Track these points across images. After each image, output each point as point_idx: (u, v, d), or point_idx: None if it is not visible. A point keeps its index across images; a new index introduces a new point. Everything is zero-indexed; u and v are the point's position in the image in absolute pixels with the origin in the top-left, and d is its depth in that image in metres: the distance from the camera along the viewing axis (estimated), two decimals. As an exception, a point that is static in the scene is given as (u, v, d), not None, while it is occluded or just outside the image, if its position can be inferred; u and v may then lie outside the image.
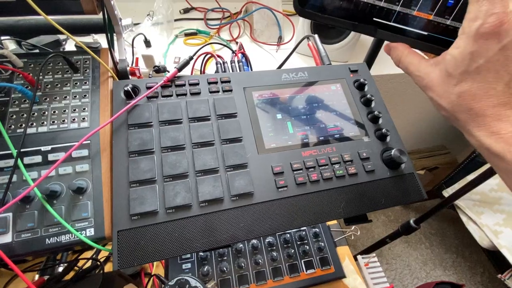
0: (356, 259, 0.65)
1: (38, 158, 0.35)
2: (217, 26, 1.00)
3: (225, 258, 0.55)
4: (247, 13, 1.02)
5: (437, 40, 0.33)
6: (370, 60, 0.63)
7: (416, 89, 1.14)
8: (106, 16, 0.41)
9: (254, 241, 0.57)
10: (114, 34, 0.46)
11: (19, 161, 0.33)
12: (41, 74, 0.40)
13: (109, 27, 0.44)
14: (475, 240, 1.15)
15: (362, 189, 0.40)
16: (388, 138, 0.44)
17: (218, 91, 0.43)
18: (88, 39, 0.80)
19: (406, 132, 1.47)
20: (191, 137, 0.38)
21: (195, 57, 0.47)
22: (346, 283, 0.58)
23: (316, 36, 0.57)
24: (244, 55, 0.53)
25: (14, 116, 0.37)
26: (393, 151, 0.41)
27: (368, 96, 0.46)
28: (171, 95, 0.41)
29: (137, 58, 0.50)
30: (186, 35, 0.94)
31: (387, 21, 0.34)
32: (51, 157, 0.35)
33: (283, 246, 0.58)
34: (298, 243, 0.59)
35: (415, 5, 0.32)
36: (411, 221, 0.77)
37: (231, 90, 0.44)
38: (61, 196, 0.34)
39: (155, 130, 0.38)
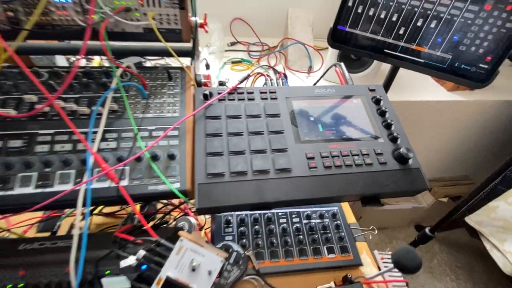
0: (373, 254, 0.72)
1: (146, 133, 0.51)
2: (258, 56, 1.20)
3: (259, 236, 0.66)
4: (283, 47, 1.22)
5: (431, 66, 0.46)
6: (387, 84, 0.77)
7: (435, 117, 1.23)
8: (195, 45, 0.60)
9: (284, 225, 0.68)
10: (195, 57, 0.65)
11: (138, 135, 0.50)
12: (149, 80, 0.58)
13: (192, 52, 0.63)
14: (505, 275, 1.13)
15: (376, 176, 0.52)
16: (398, 141, 0.56)
17: (267, 98, 0.59)
18: (161, 61, 1.02)
19: (428, 159, 1.53)
20: (248, 128, 0.53)
21: (251, 74, 0.63)
22: (363, 271, 0.66)
23: (342, 63, 0.73)
24: (285, 75, 0.69)
25: (132, 106, 0.54)
26: (402, 148, 0.53)
27: (383, 108, 0.59)
28: (234, 99, 0.57)
29: (208, 74, 0.67)
30: (233, 62, 1.15)
31: (395, 52, 0.48)
32: (154, 133, 0.52)
33: (308, 233, 0.68)
34: (321, 232, 0.69)
35: (414, 41, 0.46)
36: (427, 230, 0.82)
37: (276, 98, 0.59)
38: (160, 159, 0.49)
39: (223, 121, 0.54)
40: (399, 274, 0.68)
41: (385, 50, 0.46)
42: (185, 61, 0.62)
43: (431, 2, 0.43)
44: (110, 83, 0.54)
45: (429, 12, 0.44)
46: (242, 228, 0.66)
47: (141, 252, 0.45)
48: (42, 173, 0.45)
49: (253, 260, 0.61)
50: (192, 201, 0.49)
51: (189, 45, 0.60)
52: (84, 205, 0.44)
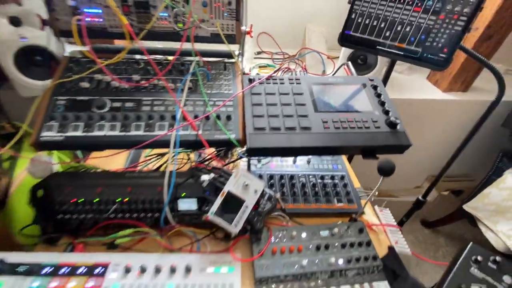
0: (373, 209, 0.91)
1: (211, 102, 0.75)
2: (280, 62, 1.46)
3: (284, 188, 0.87)
4: (301, 55, 1.47)
5: (408, 56, 0.68)
6: (385, 78, 0.98)
7: (432, 116, 1.41)
8: (243, 45, 0.85)
9: (303, 180, 0.89)
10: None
11: (208, 102, 0.73)
12: (212, 69, 0.83)
13: (241, 50, 0.88)
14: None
15: (372, 135, 0.72)
16: (390, 113, 0.77)
17: (293, 83, 0.82)
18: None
19: (430, 156, 1.68)
20: (280, 101, 0.76)
21: (282, 68, 0.87)
22: (365, 218, 0.85)
23: (349, 62, 0.95)
24: (305, 69, 0.92)
25: (199, 84, 0.78)
26: (392, 117, 0.74)
27: (379, 92, 0.81)
28: (270, 83, 0.81)
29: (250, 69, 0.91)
30: (260, 67, 1.40)
31: (384, 48, 0.70)
32: (217, 103, 0.75)
33: (322, 187, 0.88)
34: (332, 187, 0.89)
35: (396, 40, 0.68)
36: (419, 197, 0.98)
37: (300, 83, 0.82)
38: (221, 119, 0.72)
39: (263, 96, 0.77)
40: (395, 223, 0.86)
41: (377, 47, 0.68)
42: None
43: (405, 14, 0.66)
44: (186, 70, 0.79)
45: (404, 21, 0.66)
46: (271, 181, 0.87)
47: (212, 175, 0.67)
48: (147, 123, 0.69)
49: (280, 201, 0.82)
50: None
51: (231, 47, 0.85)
52: (174, 146, 0.67)
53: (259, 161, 0.95)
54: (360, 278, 0.68)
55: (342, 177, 0.92)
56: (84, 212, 0.69)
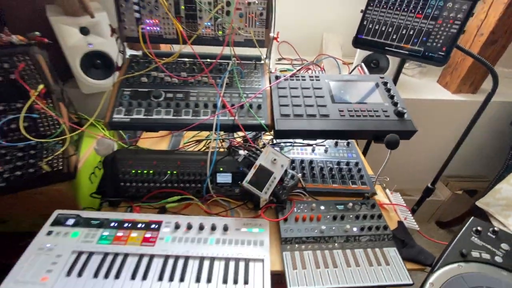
0: (385, 192, 1.01)
1: (245, 95, 0.90)
2: (300, 67, 1.61)
3: (305, 170, 0.99)
4: (318, 60, 1.62)
5: (412, 55, 0.80)
6: (395, 78, 1.10)
7: (443, 117, 1.50)
8: (270, 49, 1.00)
9: (321, 164, 1.01)
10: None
11: (242, 95, 0.89)
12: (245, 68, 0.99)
13: (268, 53, 1.03)
14: None
15: (382, 122, 0.84)
16: (398, 105, 0.89)
17: (313, 80, 0.96)
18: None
19: (441, 155, 1.75)
20: (302, 93, 0.90)
21: (304, 67, 1.02)
22: (377, 198, 0.95)
23: (363, 64, 1.09)
24: (323, 70, 1.06)
25: (234, 80, 0.94)
26: (399, 108, 0.86)
27: (388, 87, 0.93)
28: (293, 80, 0.95)
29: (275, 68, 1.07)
30: (281, 71, 1.56)
31: (391, 48, 0.83)
32: (249, 95, 0.90)
33: (338, 171, 1.00)
34: (347, 172, 1.00)
35: (401, 41, 0.81)
36: (429, 185, 1.06)
37: (319, 80, 0.96)
38: (253, 108, 0.87)
39: (288, 90, 0.91)
40: (404, 204, 0.96)
41: (386, 48, 0.81)
42: (263, 59, 1.03)
43: (409, 20, 0.79)
44: (224, 69, 0.95)
45: (408, 25, 0.79)
46: (293, 165, 1.00)
47: (246, 152, 0.81)
48: (194, 109, 0.85)
49: (301, 180, 0.94)
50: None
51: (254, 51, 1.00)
52: (215, 129, 0.82)
53: (281, 149, 1.09)
54: (372, 243, 0.79)
55: (356, 164, 1.03)
56: (141, 181, 0.85)
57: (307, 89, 0.92)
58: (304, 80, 0.96)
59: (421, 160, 1.69)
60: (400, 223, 0.87)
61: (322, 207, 0.86)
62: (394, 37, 0.83)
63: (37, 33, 0.86)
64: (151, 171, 0.85)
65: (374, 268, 0.72)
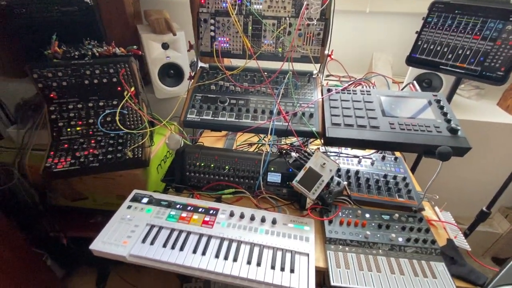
0: (433, 209, 0.99)
1: (299, 104, 1.00)
2: (348, 84, 1.66)
3: (350, 180, 1.03)
4: (367, 78, 1.66)
5: (468, 74, 0.82)
6: (449, 97, 1.10)
7: (503, 141, 1.40)
8: (324, 65, 1.10)
9: (367, 175, 1.04)
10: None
11: (296, 104, 0.98)
12: (299, 80, 1.09)
13: (322, 68, 1.13)
14: None
15: (433, 137, 0.86)
16: (451, 122, 0.90)
17: (364, 94, 1.02)
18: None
19: (500, 183, 1.61)
20: (353, 106, 0.96)
21: (355, 82, 1.08)
22: (425, 214, 0.94)
23: (415, 81, 1.11)
24: (374, 85, 1.11)
25: (289, 91, 1.04)
26: (453, 124, 0.87)
27: (441, 104, 0.95)
28: (345, 93, 1.02)
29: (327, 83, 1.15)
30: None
31: (446, 67, 0.86)
32: (303, 104, 0.99)
33: (385, 183, 1.02)
34: (394, 185, 1.01)
35: (457, 60, 0.83)
36: (484, 208, 1.00)
37: (370, 94, 1.01)
38: (305, 116, 0.96)
39: (339, 102, 0.98)
40: (454, 221, 0.93)
41: (440, 66, 0.84)
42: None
43: (466, 41, 0.81)
44: (281, 81, 1.07)
45: (465, 46, 0.81)
46: (339, 173, 1.05)
47: (296, 154, 0.90)
48: (253, 115, 0.96)
49: (347, 188, 0.98)
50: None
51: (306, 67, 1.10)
52: (271, 132, 0.92)
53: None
54: (418, 255, 0.79)
55: (404, 178, 1.04)
56: (203, 172, 0.98)
57: (358, 102, 0.98)
58: (355, 94, 1.02)
59: (475, 185, 1.58)
60: (449, 240, 0.86)
61: (367, 215, 0.89)
62: (449, 56, 0.85)
63: (134, 46, 1.08)
64: (212, 165, 0.97)
65: (420, 279, 0.73)
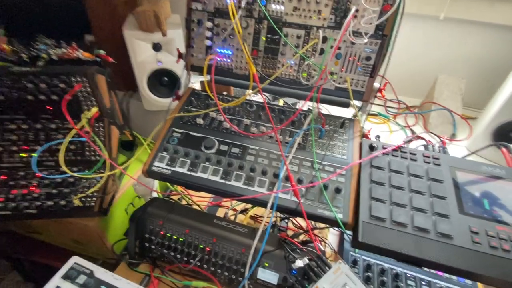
0: None
1: (320, 166, 0.65)
2: (395, 113, 1.25)
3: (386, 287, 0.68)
4: (424, 110, 1.23)
5: None
6: None
7: None
8: (370, 106, 0.72)
9: (413, 284, 0.68)
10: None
11: (316, 166, 0.64)
12: (327, 123, 0.73)
13: (365, 110, 0.75)
14: None
15: (557, 277, 0.48)
16: None
17: (429, 163, 0.64)
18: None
19: None
20: (410, 185, 0.59)
21: (413, 138, 0.70)
22: None
23: (511, 146, 0.70)
24: (444, 144, 0.72)
25: (309, 141, 0.69)
26: None
27: None
28: (397, 156, 0.65)
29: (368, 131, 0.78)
30: (369, 114, 1.23)
31: None
32: (326, 168, 0.64)
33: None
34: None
35: None
36: None
37: (440, 165, 0.63)
38: (328, 190, 0.61)
39: (387, 173, 0.62)
40: None
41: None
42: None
43: None
44: (299, 122, 0.72)
45: None
46: (368, 274, 0.70)
47: (306, 260, 0.56)
48: (248, 175, 0.64)
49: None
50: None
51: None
52: (271, 208, 0.59)
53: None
54: None
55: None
56: (167, 247, 0.68)
57: (419, 178, 0.61)
58: (415, 160, 0.64)
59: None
60: None
61: None
62: None
63: (101, 51, 0.78)
64: (181, 239, 0.67)
65: None
